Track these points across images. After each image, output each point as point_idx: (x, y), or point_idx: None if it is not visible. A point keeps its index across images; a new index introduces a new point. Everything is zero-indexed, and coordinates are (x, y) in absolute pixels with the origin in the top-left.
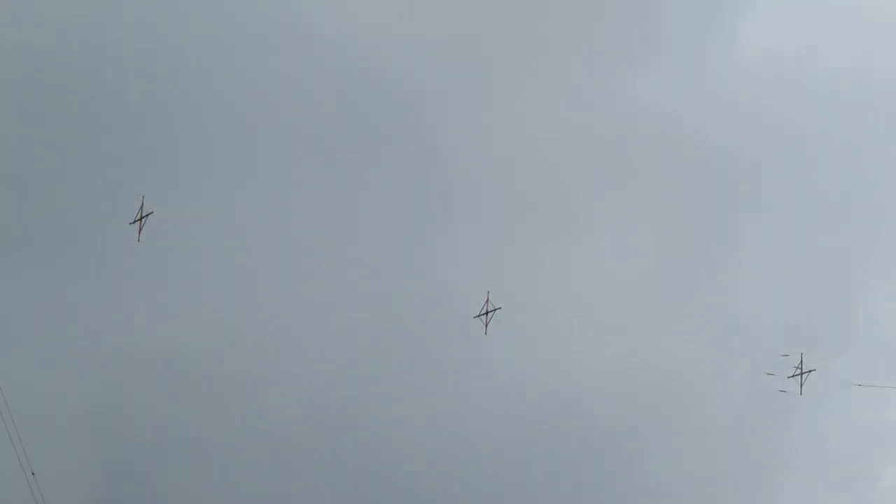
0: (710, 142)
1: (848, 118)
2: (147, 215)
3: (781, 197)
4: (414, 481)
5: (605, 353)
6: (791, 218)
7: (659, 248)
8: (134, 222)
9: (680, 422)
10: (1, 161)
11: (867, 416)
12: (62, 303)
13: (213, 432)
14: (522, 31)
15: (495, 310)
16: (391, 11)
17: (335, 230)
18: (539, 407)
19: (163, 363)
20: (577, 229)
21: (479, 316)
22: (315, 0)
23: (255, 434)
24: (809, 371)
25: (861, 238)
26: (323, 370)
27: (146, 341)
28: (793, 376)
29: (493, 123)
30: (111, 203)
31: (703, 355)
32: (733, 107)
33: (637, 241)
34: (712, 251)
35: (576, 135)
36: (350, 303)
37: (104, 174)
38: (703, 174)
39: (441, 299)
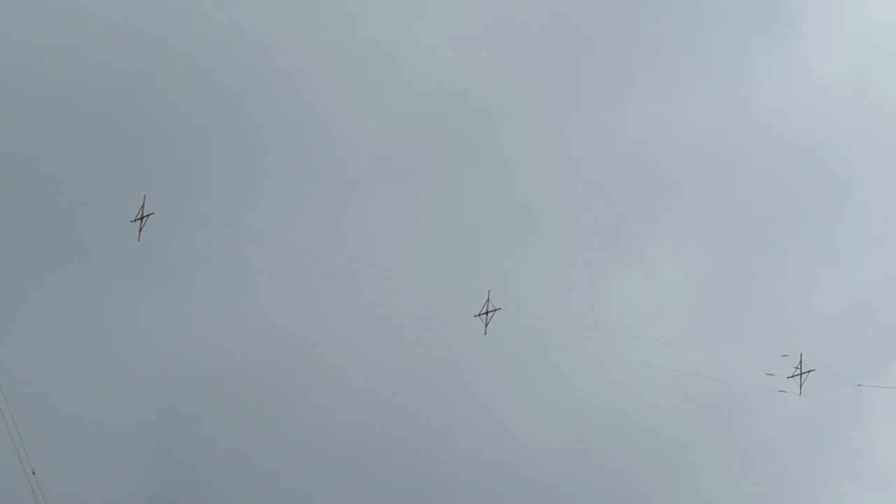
0: (764, 163)
1: None
2: (148, 215)
3: (833, 219)
4: (466, 491)
5: (657, 367)
6: (841, 240)
7: (711, 266)
8: (134, 220)
9: (731, 435)
10: (62, 175)
11: None
12: (131, 318)
13: (274, 441)
14: (581, 53)
15: (495, 310)
16: (447, 35)
17: (390, 243)
18: (591, 420)
19: (227, 375)
20: (631, 246)
21: (479, 315)
22: (373, 25)
23: (314, 443)
24: (809, 371)
25: None
26: (379, 381)
27: (211, 354)
28: (792, 376)
29: (549, 143)
30: (182, 219)
31: (752, 371)
32: (788, 129)
33: (689, 259)
34: (763, 271)
35: (632, 154)
36: (403, 315)
37: (174, 191)
38: (756, 195)
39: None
